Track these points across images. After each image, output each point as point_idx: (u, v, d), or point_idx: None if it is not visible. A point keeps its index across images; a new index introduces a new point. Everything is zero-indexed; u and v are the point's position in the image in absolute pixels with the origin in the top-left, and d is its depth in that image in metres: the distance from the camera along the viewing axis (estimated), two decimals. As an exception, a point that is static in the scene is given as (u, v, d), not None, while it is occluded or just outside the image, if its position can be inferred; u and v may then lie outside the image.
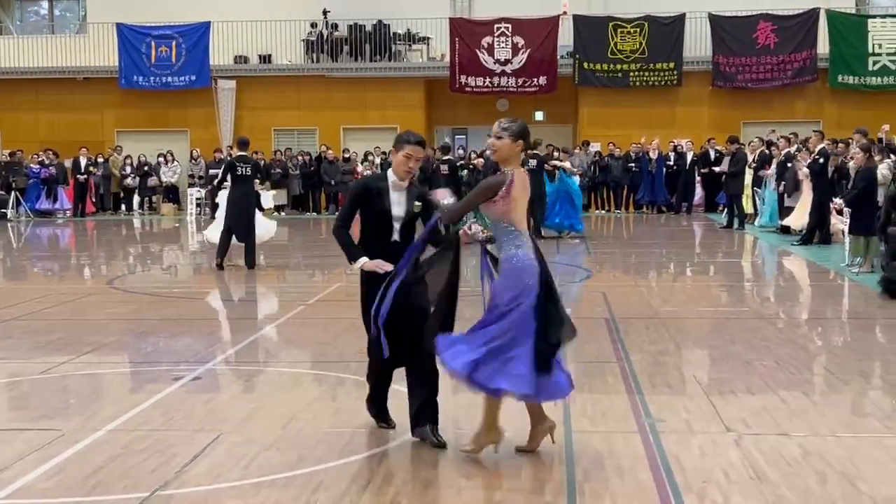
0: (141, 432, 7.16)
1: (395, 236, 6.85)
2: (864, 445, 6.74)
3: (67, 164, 30.49)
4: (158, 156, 30.91)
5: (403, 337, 6.64)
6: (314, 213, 30.26)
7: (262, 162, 25.26)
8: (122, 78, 31.90)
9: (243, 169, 16.49)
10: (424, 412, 6.72)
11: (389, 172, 6.96)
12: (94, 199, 31.02)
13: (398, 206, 6.82)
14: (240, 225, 16.38)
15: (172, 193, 31.50)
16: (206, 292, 15.39)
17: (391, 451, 6.66)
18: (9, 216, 29.38)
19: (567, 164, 22.79)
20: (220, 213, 17.52)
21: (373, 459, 6.50)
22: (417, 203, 6.87)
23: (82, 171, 30.35)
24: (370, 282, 6.83)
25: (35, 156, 30.84)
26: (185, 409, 7.88)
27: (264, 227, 17.70)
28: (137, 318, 13.45)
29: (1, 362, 9.84)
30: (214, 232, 17.38)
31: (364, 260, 6.76)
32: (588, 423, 7.30)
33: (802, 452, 6.52)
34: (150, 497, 5.83)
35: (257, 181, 17.02)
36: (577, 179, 23.04)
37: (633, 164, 29.40)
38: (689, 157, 29.32)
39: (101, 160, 30.59)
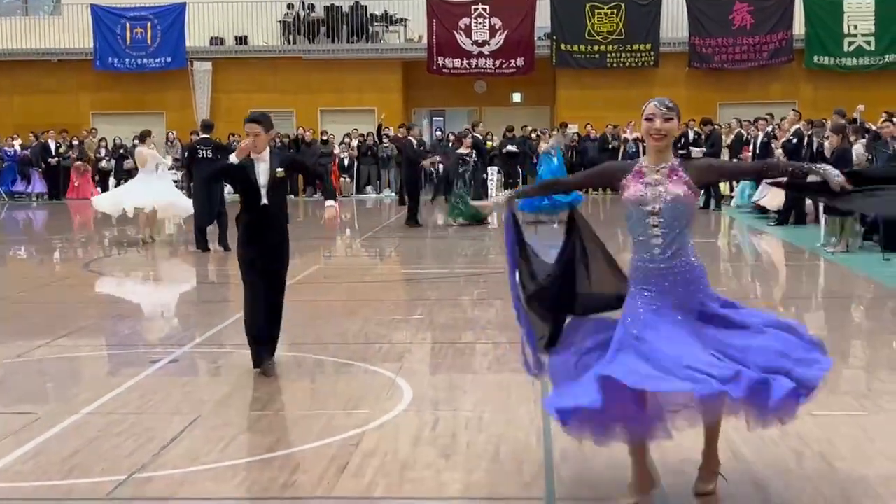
0: (118, 415, 7.14)
1: (264, 200, 8.08)
2: (840, 424, 6.78)
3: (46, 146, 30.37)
4: (133, 138, 30.72)
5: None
6: (292, 195, 30.16)
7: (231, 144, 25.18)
8: (97, 60, 31.72)
9: (204, 151, 16.64)
10: None
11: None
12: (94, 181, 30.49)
13: (263, 175, 8.06)
14: (203, 209, 16.34)
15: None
16: (182, 275, 15.34)
17: (368, 433, 6.65)
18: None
19: (543, 146, 22.81)
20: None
21: (350, 441, 6.49)
22: (280, 169, 8.14)
23: (53, 154, 30.19)
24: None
25: (10, 139, 30.65)
26: (162, 393, 7.86)
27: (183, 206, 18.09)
28: (114, 301, 13.41)
29: (-24, 346, 9.80)
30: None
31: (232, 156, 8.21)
32: (566, 404, 7.31)
33: (780, 432, 6.54)
34: (128, 480, 5.81)
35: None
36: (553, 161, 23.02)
37: (610, 146, 29.49)
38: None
39: (75, 142, 30.39)
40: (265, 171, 8.03)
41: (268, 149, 8.17)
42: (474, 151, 22.04)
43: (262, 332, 8.14)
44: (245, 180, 8.07)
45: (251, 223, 8.12)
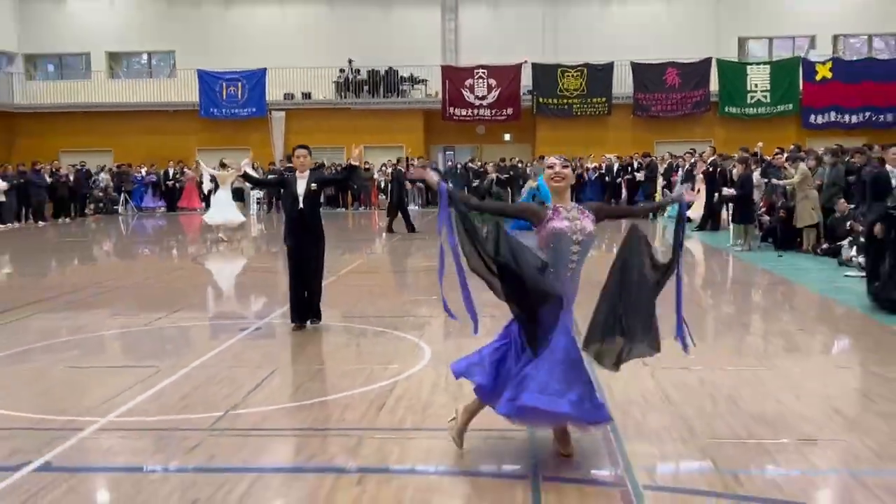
0: (216, 368, 7.17)
1: (300, 205, 8.47)
2: (743, 376, 6.78)
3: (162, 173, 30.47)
4: (219, 165, 30.72)
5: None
6: (343, 208, 30.19)
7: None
8: (202, 110, 31.75)
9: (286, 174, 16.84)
10: None
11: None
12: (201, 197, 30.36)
13: (301, 187, 8.49)
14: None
15: (238, 194, 31.37)
16: (264, 267, 15.38)
17: (399, 382, 6.66)
18: (119, 212, 29.34)
19: (533, 184, 22.02)
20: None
21: (386, 388, 6.50)
22: (313, 184, 8.54)
23: (169, 178, 30.28)
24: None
25: (139, 167, 30.75)
26: (248, 352, 7.89)
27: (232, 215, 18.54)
28: (213, 285, 13.46)
29: (116, 317, 9.87)
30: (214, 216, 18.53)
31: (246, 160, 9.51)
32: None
33: (699, 381, 6.55)
34: (224, 415, 5.83)
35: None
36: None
37: (576, 172, 29.41)
38: (615, 167, 29.40)
39: (186, 170, 30.46)
40: (303, 185, 8.47)
41: (308, 170, 8.62)
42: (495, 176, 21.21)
43: (301, 301, 8.62)
44: (289, 190, 8.52)
45: (291, 223, 8.56)
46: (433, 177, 5.09)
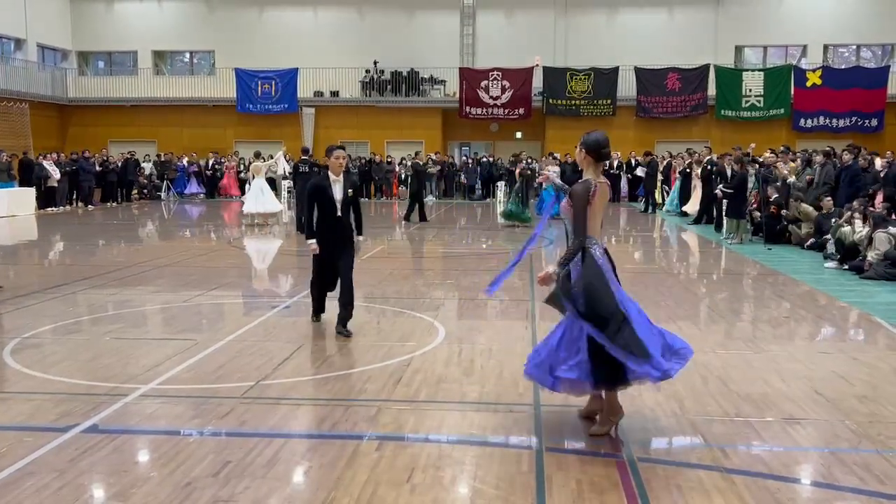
0: (249, 342, 7.21)
1: (339, 213, 7.49)
2: (733, 359, 6.75)
3: (202, 163, 30.55)
4: (254, 156, 30.76)
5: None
6: (366, 198, 30.18)
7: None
8: (239, 105, 31.76)
9: (303, 167, 17.28)
10: None
11: (329, 172, 7.54)
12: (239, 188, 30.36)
13: (339, 192, 7.48)
14: (303, 205, 16.58)
15: (271, 183, 31.37)
16: (293, 250, 15.43)
17: (416, 358, 6.68)
18: (162, 198, 29.47)
19: (551, 174, 21.86)
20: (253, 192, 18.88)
21: (403, 362, 6.52)
22: (350, 191, 7.55)
23: (210, 167, 30.36)
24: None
25: (180, 157, 30.86)
26: (279, 327, 7.93)
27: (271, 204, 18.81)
28: (247, 265, 13.51)
29: (157, 294, 9.92)
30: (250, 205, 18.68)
31: (313, 242, 7.58)
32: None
33: (692, 363, 6.49)
34: (255, 385, 5.87)
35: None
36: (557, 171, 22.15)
37: (580, 169, 29.29)
38: (616, 164, 29.32)
39: (223, 160, 30.55)
40: (340, 190, 7.44)
41: (342, 174, 7.51)
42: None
43: (322, 297, 7.97)
44: (326, 196, 7.42)
45: (327, 230, 7.50)
46: (557, 181, 5.50)
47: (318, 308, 8.08)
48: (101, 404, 5.40)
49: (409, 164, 29.90)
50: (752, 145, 21.02)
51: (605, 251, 4.87)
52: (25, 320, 8.17)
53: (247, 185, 28.89)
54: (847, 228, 12.63)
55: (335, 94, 32.14)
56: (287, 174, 26.01)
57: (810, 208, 14.94)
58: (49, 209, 23.64)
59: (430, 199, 29.82)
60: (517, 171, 19.82)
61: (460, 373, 6.23)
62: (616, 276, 4.87)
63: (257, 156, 19.83)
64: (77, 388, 5.83)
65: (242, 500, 3.95)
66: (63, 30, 32.63)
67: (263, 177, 19.13)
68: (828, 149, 17.34)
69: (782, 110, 29.91)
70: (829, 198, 14.59)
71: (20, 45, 30.50)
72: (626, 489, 4.12)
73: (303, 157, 18.09)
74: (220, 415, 5.21)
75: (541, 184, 21.02)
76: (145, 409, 5.38)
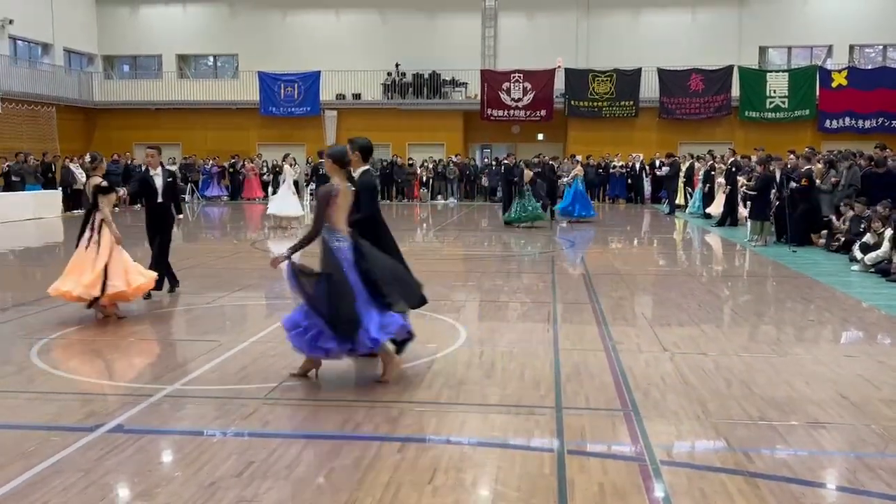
0: (272, 343, 7.25)
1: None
2: (756, 362, 6.70)
3: (225, 164, 30.79)
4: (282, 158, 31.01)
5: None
6: (387, 200, 30.26)
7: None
8: (262, 108, 31.99)
9: (323, 170, 17.24)
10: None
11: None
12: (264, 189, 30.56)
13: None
14: None
15: (295, 186, 31.62)
16: (314, 251, 15.47)
17: (437, 360, 6.69)
18: (186, 199, 29.70)
19: (579, 171, 21.87)
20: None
21: (426, 364, 6.53)
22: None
23: (233, 170, 30.57)
24: None
25: (204, 160, 31.11)
26: (301, 329, 7.94)
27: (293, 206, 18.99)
28: (269, 268, 13.56)
29: (182, 296, 10.00)
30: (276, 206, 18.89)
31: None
32: (570, 344, 7.30)
33: (715, 366, 6.49)
34: (278, 386, 5.90)
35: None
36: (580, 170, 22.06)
37: (601, 171, 29.33)
38: (638, 165, 29.23)
39: (247, 163, 30.77)
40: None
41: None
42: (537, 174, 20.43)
43: None
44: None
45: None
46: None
47: None
48: (127, 404, 5.45)
49: (430, 165, 29.96)
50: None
51: (355, 243, 6.01)
52: (52, 321, 8.28)
53: (269, 188, 29.23)
54: (869, 235, 12.51)
55: (357, 96, 32.26)
56: (301, 177, 26.17)
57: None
58: (75, 211, 23.92)
59: (451, 202, 29.85)
60: (526, 180, 19.29)
61: (482, 375, 6.23)
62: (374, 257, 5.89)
63: (284, 158, 20.10)
64: (103, 389, 5.89)
65: (266, 501, 3.97)
66: (89, 34, 33.04)
67: (290, 180, 19.36)
68: (850, 151, 17.14)
69: (807, 111, 29.63)
70: (856, 200, 14.40)
71: (47, 50, 30.94)
72: (648, 493, 4.09)
73: (321, 160, 18.29)
74: (243, 415, 5.24)
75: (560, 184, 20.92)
76: (170, 409, 5.42)
